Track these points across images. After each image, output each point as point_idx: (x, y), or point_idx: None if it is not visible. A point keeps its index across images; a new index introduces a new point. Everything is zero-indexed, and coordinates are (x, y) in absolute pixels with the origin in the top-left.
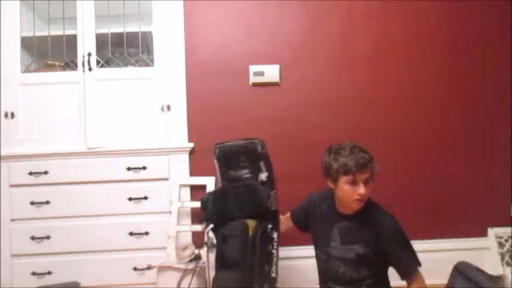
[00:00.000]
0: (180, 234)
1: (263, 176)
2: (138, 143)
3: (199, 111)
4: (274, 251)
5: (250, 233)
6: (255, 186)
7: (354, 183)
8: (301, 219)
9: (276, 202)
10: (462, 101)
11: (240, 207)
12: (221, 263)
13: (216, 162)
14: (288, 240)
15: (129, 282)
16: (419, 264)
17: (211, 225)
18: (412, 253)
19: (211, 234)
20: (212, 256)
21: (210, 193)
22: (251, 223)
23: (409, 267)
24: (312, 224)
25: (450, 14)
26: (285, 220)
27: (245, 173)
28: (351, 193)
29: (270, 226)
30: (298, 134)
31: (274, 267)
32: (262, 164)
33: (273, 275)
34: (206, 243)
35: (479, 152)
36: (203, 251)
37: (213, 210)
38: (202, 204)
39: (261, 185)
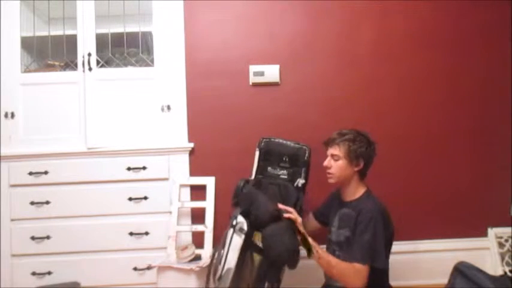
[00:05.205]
0: (180, 234)
1: (300, 182)
2: (138, 143)
3: (199, 111)
4: None
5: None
6: (288, 188)
7: (328, 156)
8: (322, 212)
9: (302, 208)
10: (462, 101)
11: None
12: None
13: (257, 153)
14: None
15: (129, 282)
16: (359, 261)
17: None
18: (360, 247)
19: (241, 219)
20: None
21: (247, 180)
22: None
23: (351, 256)
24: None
25: (450, 14)
26: (306, 223)
27: (282, 174)
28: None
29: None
30: (298, 134)
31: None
32: (303, 170)
33: (281, 276)
34: (234, 226)
35: (480, 152)
36: (229, 233)
37: (247, 196)
38: (237, 189)
39: (295, 189)
